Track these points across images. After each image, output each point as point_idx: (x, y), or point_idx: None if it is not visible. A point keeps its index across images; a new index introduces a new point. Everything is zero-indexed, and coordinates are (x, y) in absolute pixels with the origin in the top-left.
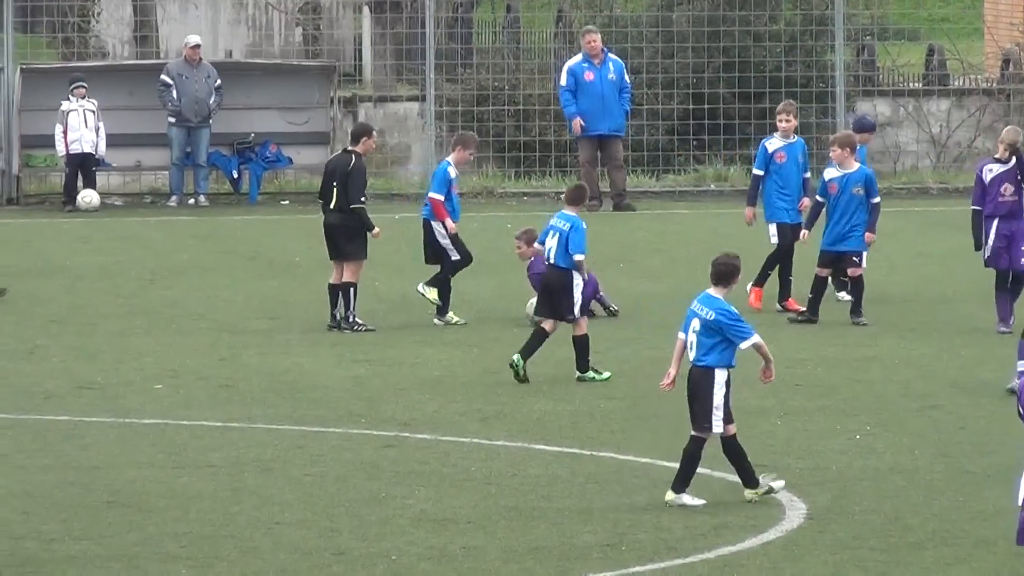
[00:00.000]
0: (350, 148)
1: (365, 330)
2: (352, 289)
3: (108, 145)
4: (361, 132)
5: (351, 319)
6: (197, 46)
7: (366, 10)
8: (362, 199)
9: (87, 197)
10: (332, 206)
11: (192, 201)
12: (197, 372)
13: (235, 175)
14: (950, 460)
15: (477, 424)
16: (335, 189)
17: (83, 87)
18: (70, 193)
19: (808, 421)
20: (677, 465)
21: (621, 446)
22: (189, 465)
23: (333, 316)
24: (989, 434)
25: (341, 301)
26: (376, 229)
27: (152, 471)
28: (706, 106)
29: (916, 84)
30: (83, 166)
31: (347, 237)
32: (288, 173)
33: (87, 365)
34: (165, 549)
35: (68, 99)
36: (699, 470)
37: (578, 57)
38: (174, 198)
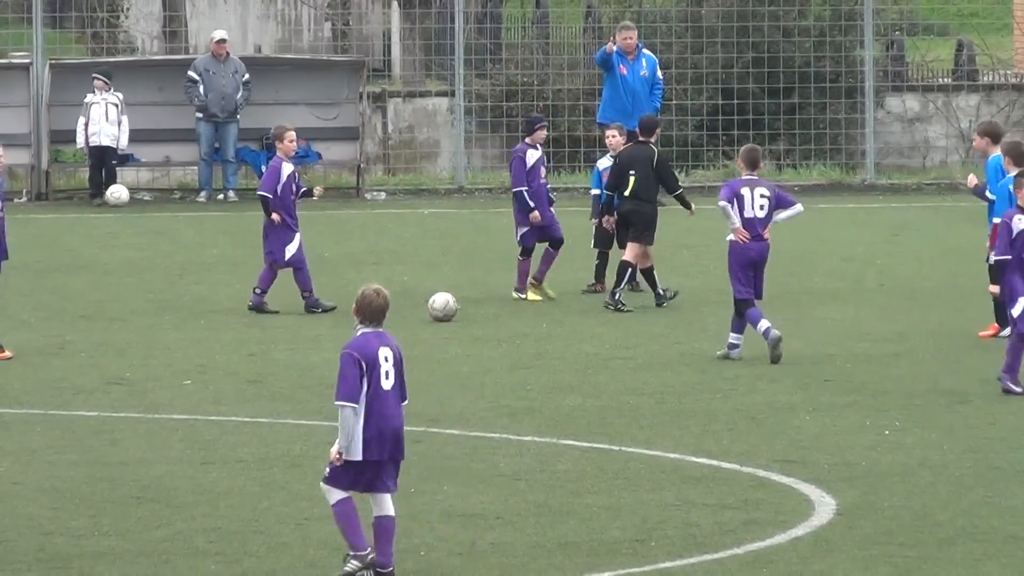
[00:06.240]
0: (643, 139)
1: (625, 310)
2: (629, 269)
3: (137, 141)
4: (654, 125)
5: (617, 296)
6: (223, 41)
7: (395, 5)
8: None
9: (116, 192)
10: (628, 194)
11: (221, 196)
12: (226, 367)
13: (264, 170)
14: (979, 456)
15: (505, 420)
16: (632, 178)
17: (99, 79)
18: (95, 186)
19: (837, 416)
20: (706, 461)
21: (650, 442)
22: (218, 461)
23: (657, 294)
24: (1018, 429)
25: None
26: (692, 206)
27: (181, 467)
28: (735, 101)
29: (945, 79)
30: (103, 160)
31: (642, 223)
32: (317, 169)
33: (116, 360)
34: (194, 545)
35: (93, 92)
36: (727, 465)
37: (615, 45)
38: (203, 193)
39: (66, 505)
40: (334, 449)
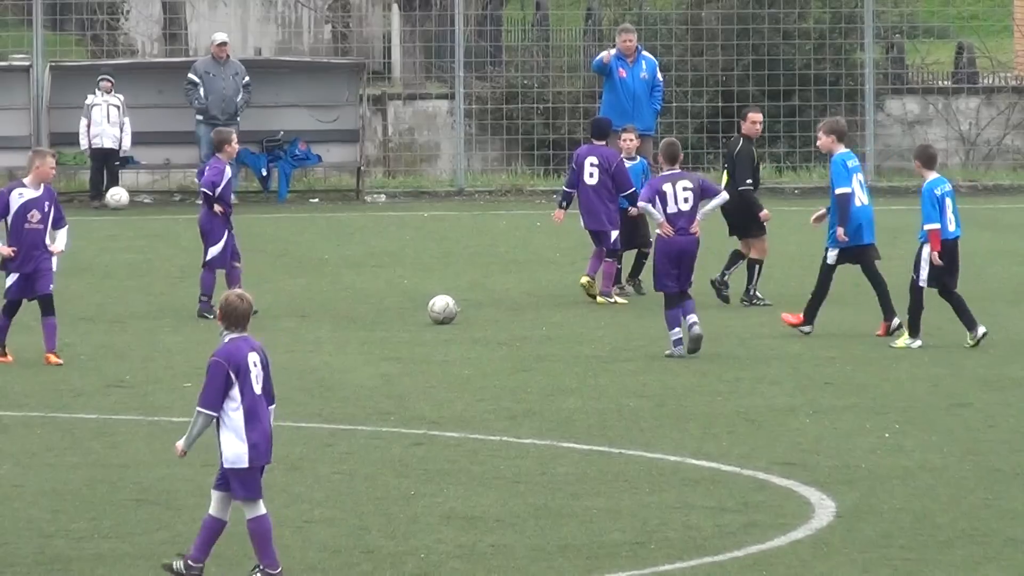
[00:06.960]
0: (740, 133)
1: (763, 304)
2: (757, 266)
3: (137, 143)
4: (741, 117)
5: (752, 292)
6: (224, 43)
7: (395, 7)
8: (747, 181)
9: (116, 195)
10: (724, 186)
11: None
12: None
13: (264, 173)
14: (979, 458)
15: (506, 422)
16: (725, 171)
17: (107, 80)
18: (96, 188)
19: (837, 419)
20: (706, 463)
21: (650, 444)
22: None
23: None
24: (1018, 432)
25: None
26: (765, 211)
27: (181, 469)
28: (735, 104)
29: (945, 82)
30: (106, 162)
31: (741, 217)
32: (317, 171)
33: (116, 363)
34: None
35: (95, 93)
36: (727, 468)
37: (613, 51)
38: None
39: (66, 508)
40: (180, 444)
